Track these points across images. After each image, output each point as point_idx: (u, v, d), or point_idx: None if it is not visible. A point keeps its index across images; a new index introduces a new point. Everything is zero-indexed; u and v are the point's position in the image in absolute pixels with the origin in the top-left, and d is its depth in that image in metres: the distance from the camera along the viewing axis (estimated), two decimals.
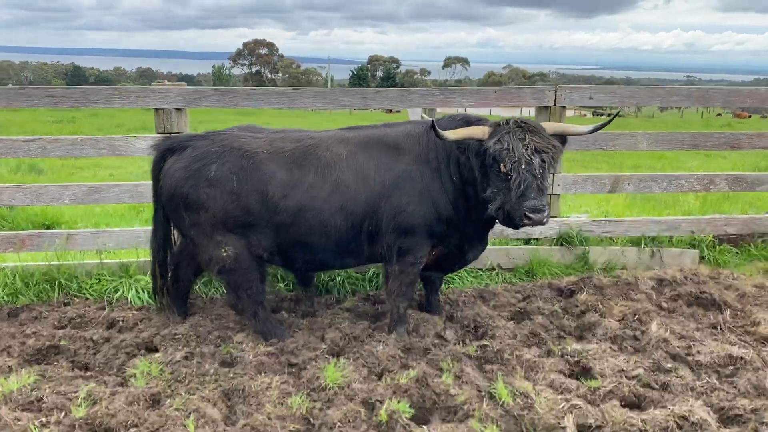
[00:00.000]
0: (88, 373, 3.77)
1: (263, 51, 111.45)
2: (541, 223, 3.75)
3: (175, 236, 4.44)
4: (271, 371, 3.79)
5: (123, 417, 3.20)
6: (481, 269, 5.45)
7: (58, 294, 4.90)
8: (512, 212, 3.75)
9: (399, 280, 4.16)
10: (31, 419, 3.15)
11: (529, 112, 7.53)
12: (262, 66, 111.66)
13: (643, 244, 5.67)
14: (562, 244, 5.53)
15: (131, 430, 3.14)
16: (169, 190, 4.00)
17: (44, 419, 3.17)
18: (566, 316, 4.61)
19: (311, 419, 3.25)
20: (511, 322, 4.49)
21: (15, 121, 26.16)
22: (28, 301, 4.83)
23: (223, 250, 4.02)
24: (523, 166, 3.68)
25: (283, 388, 3.51)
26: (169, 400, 3.39)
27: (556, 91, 5.26)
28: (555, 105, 5.29)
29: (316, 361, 3.88)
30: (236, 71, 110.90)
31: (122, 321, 4.53)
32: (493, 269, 5.48)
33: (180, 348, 4.07)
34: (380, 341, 4.09)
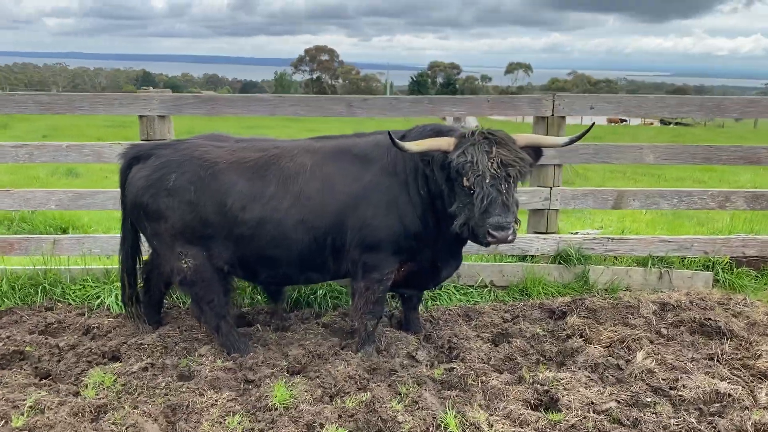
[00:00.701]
0: (44, 381, 3.80)
1: (324, 57, 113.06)
2: (506, 242, 3.58)
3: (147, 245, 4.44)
4: (226, 387, 3.73)
5: (60, 429, 3.21)
6: (472, 286, 5.26)
7: (42, 299, 4.99)
8: (476, 229, 3.59)
9: (365, 297, 4.04)
10: None
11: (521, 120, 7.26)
12: (322, 72, 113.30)
13: (650, 265, 5.36)
14: (560, 262, 5.28)
15: None
16: (132, 199, 4.01)
17: None
18: (550, 339, 4.38)
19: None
20: (489, 344, 4.30)
21: (77, 125, 27.17)
22: (12, 304, 4.93)
23: (183, 261, 4.00)
24: (487, 181, 3.52)
25: (228, 407, 3.45)
26: (110, 414, 3.37)
27: (554, 101, 5.03)
28: (553, 115, 5.07)
29: (272, 379, 3.80)
30: (297, 77, 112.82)
31: (97, 328, 4.57)
32: (485, 286, 5.28)
33: (143, 359, 4.05)
34: (344, 360, 3.98)
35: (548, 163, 5.15)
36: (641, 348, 4.13)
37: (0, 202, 5.01)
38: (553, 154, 5.09)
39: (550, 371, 3.88)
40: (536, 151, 3.94)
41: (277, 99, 4.97)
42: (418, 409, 3.43)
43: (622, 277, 5.32)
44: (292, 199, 3.88)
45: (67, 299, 5.02)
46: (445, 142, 3.69)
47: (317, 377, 3.79)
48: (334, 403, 3.51)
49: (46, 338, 4.33)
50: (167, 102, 4.92)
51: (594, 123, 4.07)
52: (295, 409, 3.44)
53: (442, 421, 3.27)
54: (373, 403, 3.41)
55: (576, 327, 4.45)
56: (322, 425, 3.25)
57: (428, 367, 4.02)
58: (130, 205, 4.06)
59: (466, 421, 3.27)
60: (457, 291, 5.21)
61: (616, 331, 4.36)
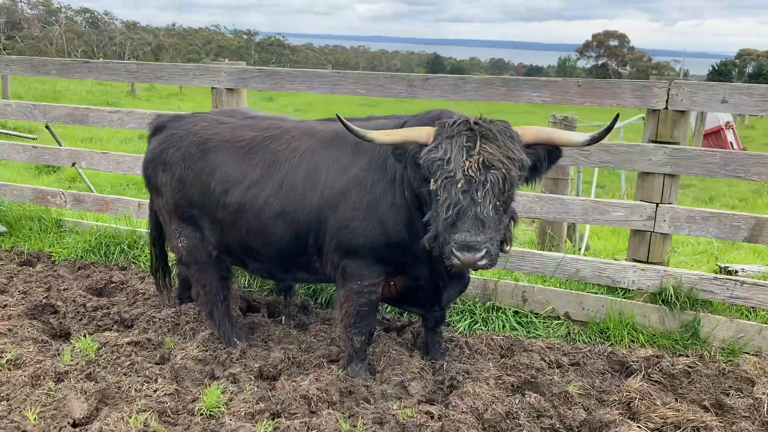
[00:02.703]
0: (46, 338, 4.05)
1: (613, 43, 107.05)
2: (476, 267, 2.86)
3: None
4: (187, 378, 3.63)
5: (6, 388, 3.38)
6: (539, 315, 4.38)
7: (120, 258, 5.40)
8: (443, 246, 2.90)
9: (344, 308, 3.57)
10: None
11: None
12: (609, 59, 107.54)
13: None
14: (663, 303, 4.11)
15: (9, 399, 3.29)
16: (142, 171, 4.06)
17: None
18: (584, 402, 3.42)
19: None
20: (503, 392, 3.50)
21: (327, 100, 29.27)
22: (96, 259, 5.43)
23: (179, 240, 3.95)
24: (459, 185, 2.80)
25: (155, 403, 3.31)
26: (59, 383, 3.46)
27: (669, 89, 3.88)
28: (667, 108, 3.91)
29: (234, 380, 3.58)
30: (582, 63, 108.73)
31: (142, 294, 4.79)
32: (558, 318, 4.35)
33: (142, 333, 4.13)
34: (318, 375, 3.58)
35: (655, 171, 4.01)
36: None
37: (97, 163, 5.50)
38: (663, 161, 3.95)
39: None
40: (550, 150, 3.09)
41: (337, 76, 4.62)
42: None
43: (752, 336, 3.97)
44: (275, 188, 3.55)
45: (139, 262, 5.36)
46: (424, 133, 3.03)
47: (274, 389, 3.46)
48: (264, 422, 3.14)
49: (91, 297, 4.66)
50: (234, 75, 4.90)
51: (618, 115, 3.01)
52: (215, 421, 3.18)
53: None
54: None
55: (631, 393, 3.41)
56: None
57: (415, 403, 3.39)
58: (143, 177, 4.11)
59: None
60: (517, 317, 4.38)
61: (680, 411, 3.23)
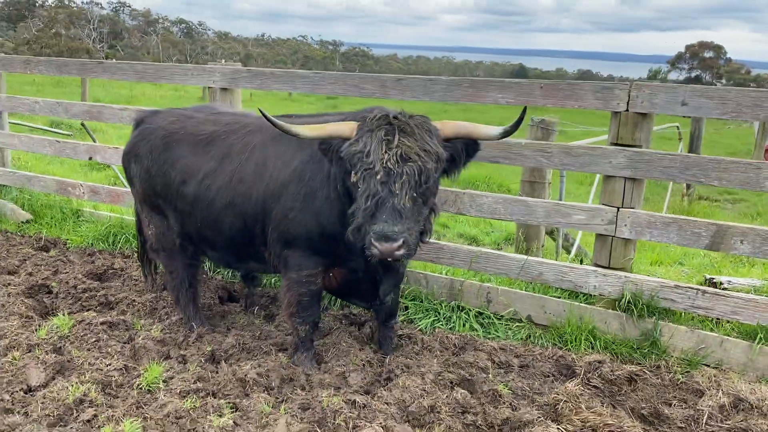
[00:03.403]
0: (33, 314, 4.39)
1: (707, 54, 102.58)
2: (394, 257, 2.96)
3: None
4: (145, 357, 3.85)
5: None
6: (502, 317, 4.37)
7: (125, 246, 5.77)
8: (364, 237, 3.01)
9: (287, 298, 3.73)
10: None
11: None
12: (703, 71, 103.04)
13: (759, 339, 3.74)
14: (624, 310, 4.02)
15: None
16: (122, 162, 4.35)
17: None
18: (512, 402, 3.42)
19: (74, 407, 3.23)
20: (436, 388, 3.53)
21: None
22: (103, 248, 5.82)
23: (149, 227, 4.23)
24: (378, 177, 2.92)
25: (103, 376, 3.54)
26: (25, 354, 3.76)
27: (629, 91, 3.82)
28: (628, 110, 3.85)
29: (183, 360, 3.80)
30: (674, 75, 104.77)
31: (136, 281, 5.11)
32: (521, 321, 4.33)
33: (119, 314, 4.43)
34: (263, 361, 3.75)
35: (616, 175, 3.95)
36: None
37: (110, 157, 5.90)
38: (624, 164, 3.89)
39: None
40: (468, 144, 3.20)
41: (317, 76, 4.80)
42: (237, 426, 3.09)
43: (713, 348, 3.83)
44: (226, 179, 3.76)
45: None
46: (347, 128, 3.16)
47: (218, 372, 3.64)
48: (193, 399, 3.33)
49: (86, 281, 5.01)
50: (227, 75, 5.16)
51: (526, 108, 3.05)
52: (150, 395, 3.40)
53: None
54: (197, 416, 3.16)
55: (560, 395, 3.38)
56: (147, 419, 3.14)
57: (351, 392, 3.48)
58: (123, 168, 4.41)
59: None
60: (480, 318, 4.39)
61: (602, 416, 3.19)
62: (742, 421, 3.25)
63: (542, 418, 3.22)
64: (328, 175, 3.45)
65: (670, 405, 3.47)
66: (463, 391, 3.47)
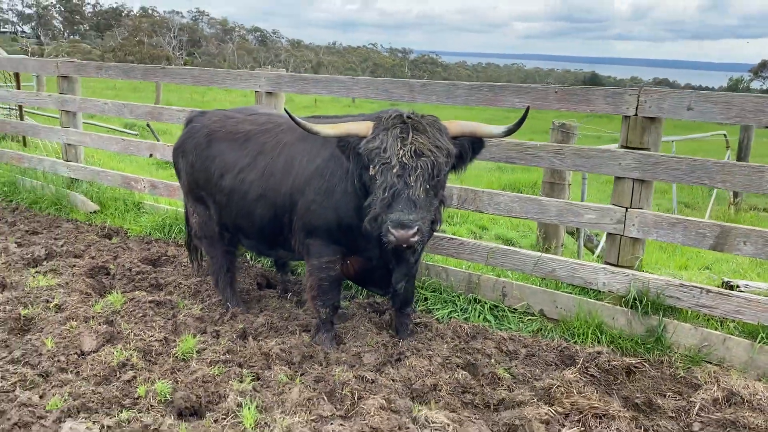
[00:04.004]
0: (91, 291, 4.90)
1: None
2: (409, 243, 3.27)
3: None
4: (185, 331, 4.28)
5: (45, 323, 4.24)
6: (516, 310, 4.60)
7: (179, 236, 6.28)
8: (381, 225, 3.33)
9: (309, 282, 4.10)
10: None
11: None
12: None
13: (760, 339, 3.83)
14: (631, 307, 4.18)
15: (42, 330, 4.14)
16: (171, 157, 4.83)
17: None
18: (509, 385, 3.67)
19: (117, 369, 3.68)
20: (442, 370, 3.81)
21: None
22: (159, 236, 6.35)
23: (193, 216, 4.68)
24: (394, 170, 3.25)
25: (145, 344, 3.99)
26: (82, 324, 4.26)
27: (638, 96, 4.00)
28: (637, 114, 4.03)
29: (216, 335, 4.22)
30: (756, 84, 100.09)
31: (185, 266, 5.59)
32: (533, 315, 4.54)
33: (167, 295, 4.90)
34: (288, 339, 4.12)
35: (625, 176, 4.13)
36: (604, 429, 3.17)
37: (168, 154, 6.42)
38: (633, 166, 4.07)
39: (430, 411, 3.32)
40: (474, 142, 3.50)
41: (351, 81, 5.16)
42: (256, 392, 3.46)
43: (716, 346, 3.94)
44: (258, 174, 4.15)
45: None
46: (364, 127, 3.49)
47: (246, 348, 4.03)
48: (220, 367, 3.73)
49: (141, 265, 5.52)
50: (271, 80, 5.59)
51: (529, 108, 3.28)
52: (184, 363, 3.82)
53: (237, 414, 3.23)
54: (234, 377, 3.55)
55: (554, 381, 3.60)
56: (173, 381, 3.55)
57: (364, 370, 3.80)
58: (173, 162, 4.89)
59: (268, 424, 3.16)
60: (495, 311, 4.63)
61: (590, 400, 3.39)
62: (732, 413, 3.37)
63: (535, 400, 3.45)
64: (346, 172, 3.79)
65: (664, 396, 3.63)
66: (464, 372, 3.74)
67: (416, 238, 3.25)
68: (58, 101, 7.26)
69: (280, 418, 3.18)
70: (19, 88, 9.40)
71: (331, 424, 3.17)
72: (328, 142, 3.88)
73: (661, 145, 4.15)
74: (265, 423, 3.15)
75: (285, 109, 3.70)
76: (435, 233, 4.55)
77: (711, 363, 3.95)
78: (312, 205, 3.90)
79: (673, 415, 3.44)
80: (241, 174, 4.21)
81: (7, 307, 4.44)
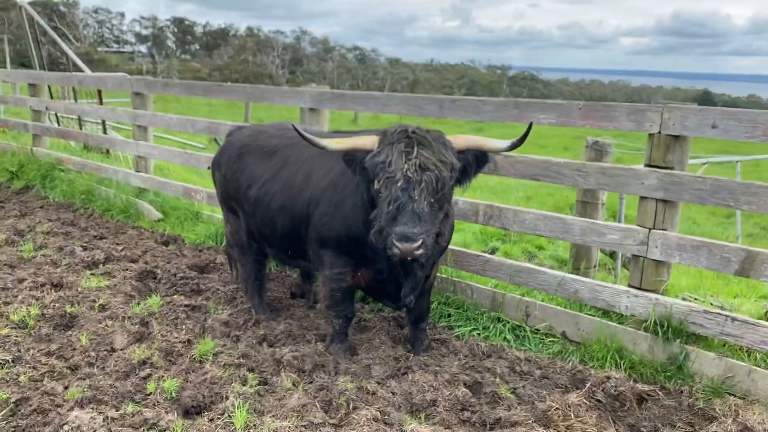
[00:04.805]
0: (135, 294, 5.25)
1: None
2: (413, 256, 3.32)
3: None
4: (209, 335, 4.50)
5: (84, 320, 4.59)
6: (538, 331, 4.51)
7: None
8: (386, 238, 3.41)
9: (323, 293, 4.22)
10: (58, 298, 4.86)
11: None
12: None
13: None
14: (655, 332, 4.02)
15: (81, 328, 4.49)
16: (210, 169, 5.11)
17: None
18: (508, 405, 3.61)
19: (137, 367, 3.94)
20: (441, 384, 3.81)
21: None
22: (211, 244, 6.69)
23: (226, 225, 4.92)
24: (398, 184, 3.33)
25: (168, 343, 4.23)
26: (116, 323, 4.58)
27: (662, 113, 3.87)
28: (660, 132, 3.90)
29: (236, 340, 4.41)
30: None
31: (229, 274, 5.86)
32: (555, 337, 4.44)
33: (203, 300, 5.16)
34: (302, 347, 4.25)
35: (648, 196, 3.99)
36: None
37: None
38: (656, 185, 3.94)
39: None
40: (478, 156, 3.54)
41: (386, 97, 5.27)
42: (260, 396, 3.59)
43: (740, 378, 3.72)
44: (279, 186, 4.33)
45: None
46: (369, 141, 3.58)
47: (261, 354, 4.19)
48: (230, 370, 3.90)
49: (187, 271, 5.84)
50: (314, 97, 5.80)
51: (532, 124, 3.26)
52: (199, 364, 4.03)
53: (230, 415, 3.37)
54: (239, 380, 3.73)
55: (554, 403, 3.52)
56: (195, 384, 3.76)
57: (372, 382, 3.86)
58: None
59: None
60: (517, 330, 4.56)
61: (587, 424, 3.30)
62: None
63: (531, 421, 3.40)
64: (356, 185, 3.89)
65: (674, 426, 3.47)
66: (466, 390, 3.72)
67: (420, 251, 3.29)
68: (131, 116, 7.82)
69: (269, 421, 3.30)
70: (101, 103, 10.20)
71: (319, 430, 3.26)
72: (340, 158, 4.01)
73: (687, 164, 3.98)
74: (254, 425, 3.28)
75: (293, 125, 3.86)
76: (461, 249, 4.57)
77: (735, 395, 3.72)
78: (324, 217, 4.02)
79: None
80: (265, 185, 4.40)
81: (56, 304, 4.83)
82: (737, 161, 8.09)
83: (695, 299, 4.92)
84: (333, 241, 4.01)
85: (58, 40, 12.83)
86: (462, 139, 3.55)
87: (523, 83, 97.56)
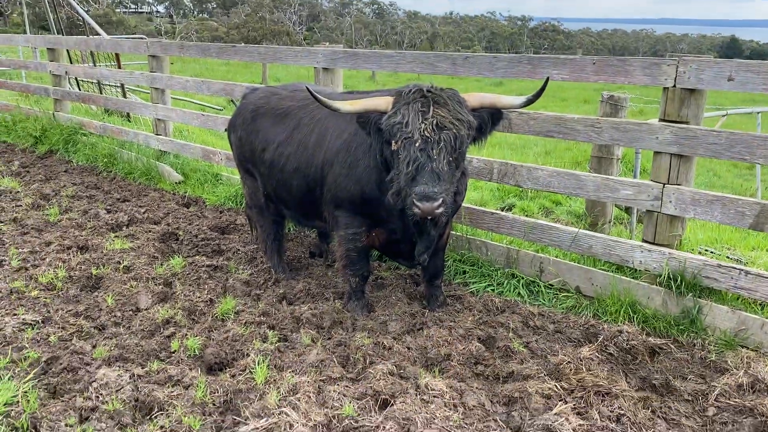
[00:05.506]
0: (158, 255, 5.37)
1: None
2: (434, 215, 3.35)
3: None
4: (230, 293, 4.61)
5: (109, 280, 4.72)
6: (552, 286, 4.55)
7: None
8: (405, 199, 3.44)
9: (338, 252, 4.28)
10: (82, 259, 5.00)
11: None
12: None
13: None
14: (668, 287, 4.03)
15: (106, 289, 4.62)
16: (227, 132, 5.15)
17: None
18: (520, 359, 3.67)
19: (162, 325, 4.06)
20: (455, 338, 3.89)
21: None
22: (232, 205, 6.77)
23: (244, 187, 4.98)
24: (417, 144, 3.34)
25: (190, 304, 4.36)
26: (141, 283, 4.70)
27: (677, 66, 3.80)
28: (675, 86, 3.84)
29: (257, 299, 4.52)
30: None
31: (249, 235, 5.95)
32: (569, 292, 4.48)
33: (224, 260, 5.26)
34: (321, 304, 4.34)
35: (663, 151, 3.96)
36: (606, 412, 3.14)
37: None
38: (670, 140, 3.90)
39: (437, 378, 3.40)
40: (493, 113, 3.55)
41: (398, 55, 5.22)
42: (280, 353, 3.70)
43: (753, 330, 3.73)
44: (294, 148, 4.36)
45: None
46: (384, 102, 3.58)
47: (280, 312, 4.29)
48: (251, 328, 4.01)
49: (209, 232, 5.95)
50: (327, 56, 5.77)
51: (548, 79, 3.23)
52: (221, 323, 4.14)
53: (251, 371, 3.47)
54: (260, 337, 3.83)
55: (566, 357, 3.59)
56: (208, 337, 3.88)
57: (388, 337, 3.94)
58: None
59: (276, 382, 3.39)
60: (531, 286, 4.60)
61: (598, 377, 3.35)
62: (752, 400, 3.22)
63: (543, 374, 3.46)
64: (369, 146, 3.90)
65: (685, 379, 3.51)
66: (479, 345, 3.79)
67: (441, 210, 3.31)
68: (148, 79, 7.86)
69: (289, 376, 3.40)
70: (119, 67, 10.23)
71: (337, 384, 3.36)
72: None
73: (702, 118, 3.93)
74: (274, 380, 3.39)
75: (306, 86, 3.86)
76: (476, 207, 4.58)
77: (747, 348, 3.75)
78: (339, 178, 4.05)
79: (690, 398, 3.33)
80: (279, 148, 4.43)
81: (82, 266, 4.97)
82: (758, 112, 7.89)
83: (710, 253, 4.91)
84: (347, 202, 4.05)
85: (73, 2, 12.78)
86: (476, 97, 3.54)
87: (544, 35, 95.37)
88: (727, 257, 4.84)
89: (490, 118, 3.59)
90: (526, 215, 6.55)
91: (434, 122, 3.32)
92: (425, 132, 3.31)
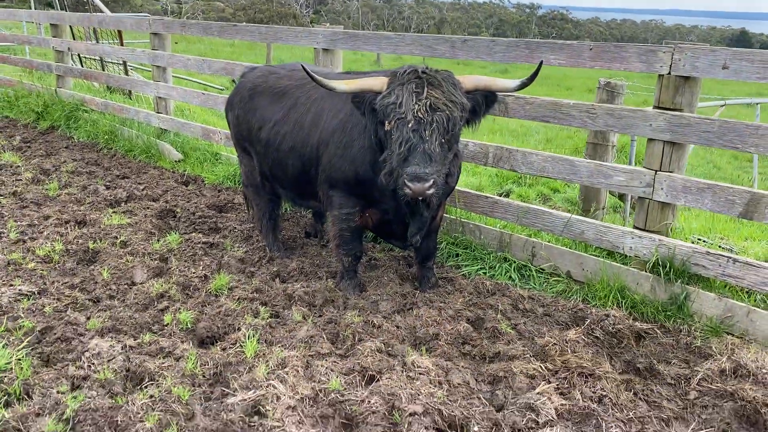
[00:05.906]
0: (155, 231, 5.41)
1: None
2: (425, 195, 3.38)
3: None
4: (225, 270, 4.66)
5: (105, 255, 4.76)
6: (543, 271, 4.59)
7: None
8: (397, 179, 3.47)
9: (332, 232, 4.31)
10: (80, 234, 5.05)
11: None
12: None
13: None
14: (657, 273, 4.06)
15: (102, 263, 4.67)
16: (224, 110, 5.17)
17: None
18: (507, 340, 3.72)
19: (155, 299, 4.11)
20: (444, 319, 3.93)
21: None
22: (230, 185, 6.81)
23: (241, 165, 5.01)
24: (410, 125, 3.36)
25: (185, 278, 4.40)
26: (136, 258, 4.75)
27: (673, 54, 3.81)
28: (670, 73, 3.85)
29: (251, 275, 4.56)
30: None
31: (246, 213, 5.99)
32: (560, 276, 4.52)
33: (220, 237, 5.31)
34: (314, 283, 4.39)
35: (656, 138, 3.97)
36: (587, 392, 3.18)
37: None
38: (663, 127, 3.91)
39: (418, 356, 3.45)
40: (487, 96, 3.56)
41: (398, 38, 5.22)
42: (271, 328, 3.75)
43: (739, 318, 3.77)
44: (290, 127, 4.38)
45: None
46: (378, 82, 3.60)
47: (272, 289, 4.33)
48: (243, 303, 4.06)
49: (206, 210, 5.98)
50: (327, 37, 5.77)
51: (542, 63, 3.25)
52: (214, 298, 4.18)
53: (242, 344, 3.52)
54: (252, 313, 3.89)
55: (552, 339, 3.63)
56: (218, 308, 3.95)
57: (379, 316, 3.98)
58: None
59: (266, 356, 3.44)
60: (522, 270, 4.64)
61: (582, 359, 3.40)
62: (733, 385, 3.26)
63: (529, 355, 3.51)
64: (364, 127, 3.92)
65: (669, 363, 3.55)
66: (467, 325, 3.83)
67: (432, 191, 3.34)
68: (150, 56, 7.86)
69: (278, 350, 3.45)
70: (122, 44, 10.22)
71: (325, 360, 3.41)
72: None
73: (696, 107, 3.94)
74: (263, 354, 3.44)
75: (302, 65, 3.87)
76: (471, 191, 4.60)
77: (733, 335, 3.79)
78: (333, 159, 4.07)
79: (672, 382, 3.38)
80: (275, 127, 4.46)
81: (80, 240, 5.01)
82: (757, 103, 7.87)
83: (703, 242, 4.93)
84: (341, 182, 4.08)
85: None
86: (471, 79, 3.55)
87: (552, 23, 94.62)
88: (720, 246, 4.86)
89: (484, 101, 3.61)
90: (524, 201, 6.57)
91: (428, 103, 3.34)
92: (418, 113, 3.33)
